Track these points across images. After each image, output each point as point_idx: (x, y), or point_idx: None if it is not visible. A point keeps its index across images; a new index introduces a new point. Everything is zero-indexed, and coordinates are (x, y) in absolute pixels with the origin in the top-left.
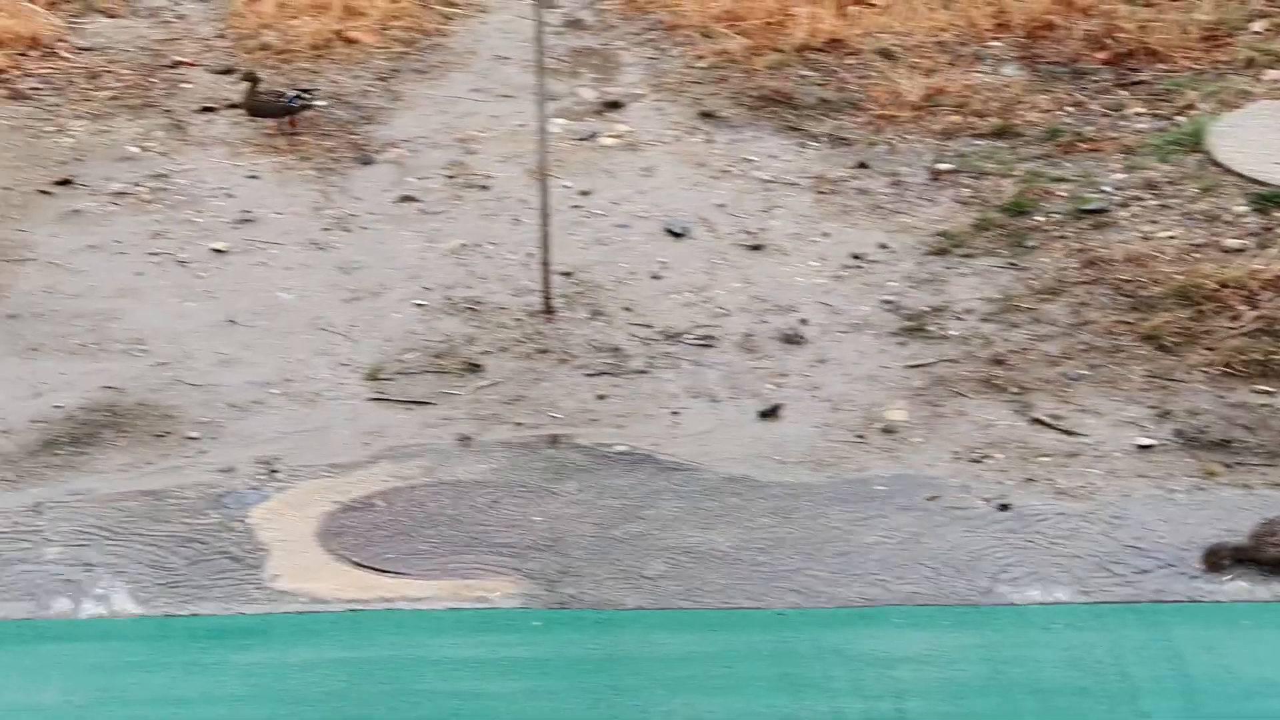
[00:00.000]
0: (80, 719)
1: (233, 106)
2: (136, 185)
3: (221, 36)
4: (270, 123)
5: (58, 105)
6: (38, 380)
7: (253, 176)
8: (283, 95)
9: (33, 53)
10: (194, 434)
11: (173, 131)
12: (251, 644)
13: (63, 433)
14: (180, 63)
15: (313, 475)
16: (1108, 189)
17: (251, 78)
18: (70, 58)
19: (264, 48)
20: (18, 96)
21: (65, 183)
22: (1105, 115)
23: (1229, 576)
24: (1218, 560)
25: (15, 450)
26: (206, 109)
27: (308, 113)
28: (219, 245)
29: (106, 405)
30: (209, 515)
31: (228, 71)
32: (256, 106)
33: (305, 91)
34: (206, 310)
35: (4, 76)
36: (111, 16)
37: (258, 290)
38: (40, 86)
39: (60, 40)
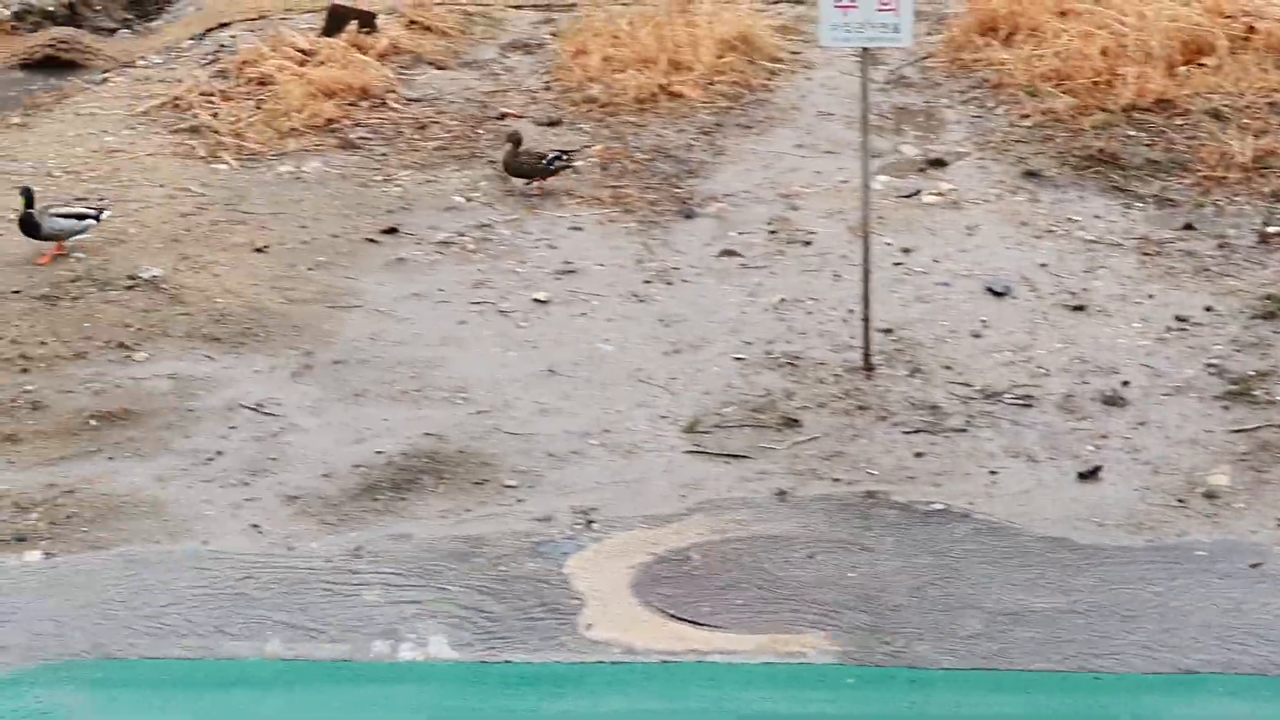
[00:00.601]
0: None
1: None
2: (461, 235)
3: (547, 89)
4: (519, 182)
5: (386, 155)
6: (361, 426)
7: (575, 228)
8: (544, 157)
9: (363, 103)
10: (512, 482)
11: (497, 182)
12: (565, 692)
13: (384, 478)
14: (507, 114)
15: (629, 526)
16: None
17: (515, 139)
18: (399, 108)
19: (589, 101)
20: (348, 146)
21: (392, 231)
22: None
23: None
24: None
25: (337, 494)
26: None
27: (570, 172)
28: (541, 295)
29: (427, 452)
30: (526, 563)
31: (553, 124)
32: (516, 166)
33: (565, 153)
34: (527, 359)
35: (335, 126)
36: (441, 68)
37: (578, 341)
38: (369, 136)
39: (390, 91)
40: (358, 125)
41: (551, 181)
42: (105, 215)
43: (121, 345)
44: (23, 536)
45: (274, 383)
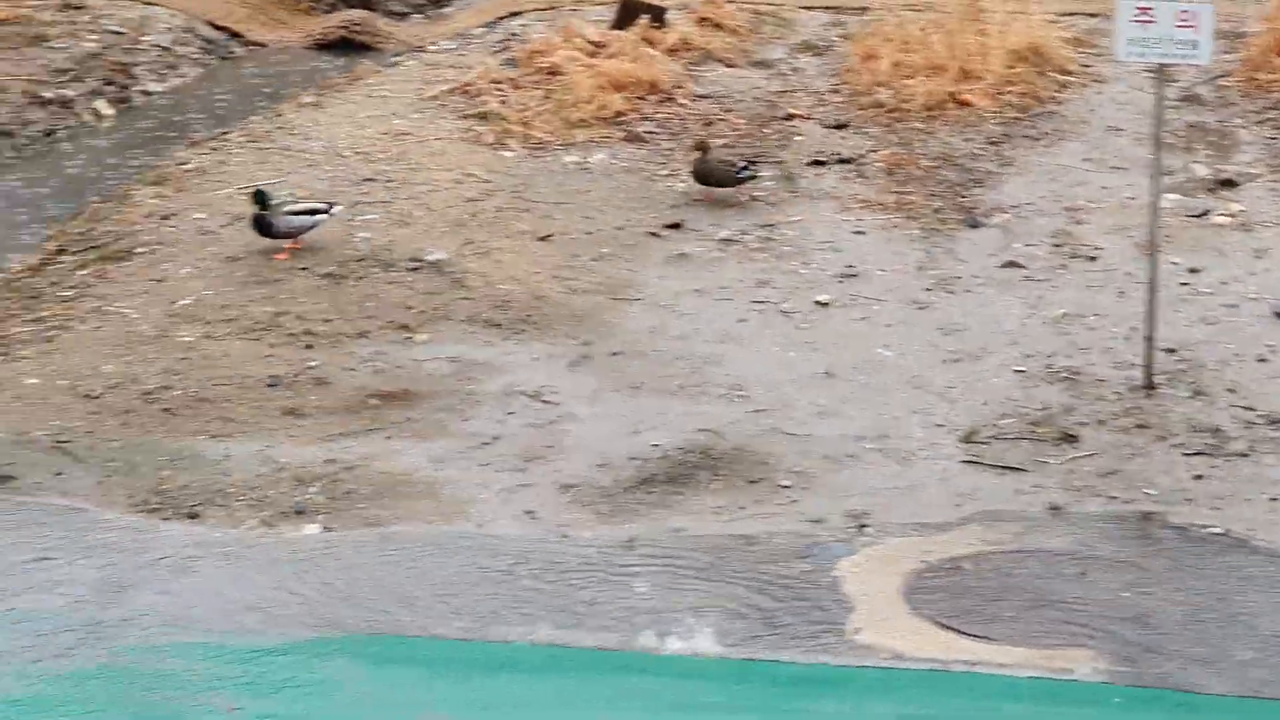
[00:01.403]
0: None
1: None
2: (744, 234)
3: (835, 92)
4: (715, 191)
5: (671, 150)
6: (638, 418)
7: (858, 232)
8: (733, 165)
9: (651, 97)
10: (786, 482)
11: (783, 183)
12: (830, 695)
13: (659, 471)
14: (793, 115)
15: (901, 532)
16: None
17: (702, 147)
18: (687, 104)
19: (877, 105)
20: (634, 139)
21: (675, 226)
22: None
23: None
24: None
25: (611, 485)
26: (817, 162)
27: (752, 184)
28: (822, 298)
29: (703, 447)
30: (797, 564)
31: (840, 127)
32: (705, 174)
33: (752, 163)
34: (806, 361)
35: (623, 119)
36: (730, 66)
37: (858, 345)
38: (656, 131)
39: (678, 87)
40: (645, 119)
41: (833, 183)
42: (335, 210)
43: (404, 326)
44: (302, 510)
45: (552, 370)
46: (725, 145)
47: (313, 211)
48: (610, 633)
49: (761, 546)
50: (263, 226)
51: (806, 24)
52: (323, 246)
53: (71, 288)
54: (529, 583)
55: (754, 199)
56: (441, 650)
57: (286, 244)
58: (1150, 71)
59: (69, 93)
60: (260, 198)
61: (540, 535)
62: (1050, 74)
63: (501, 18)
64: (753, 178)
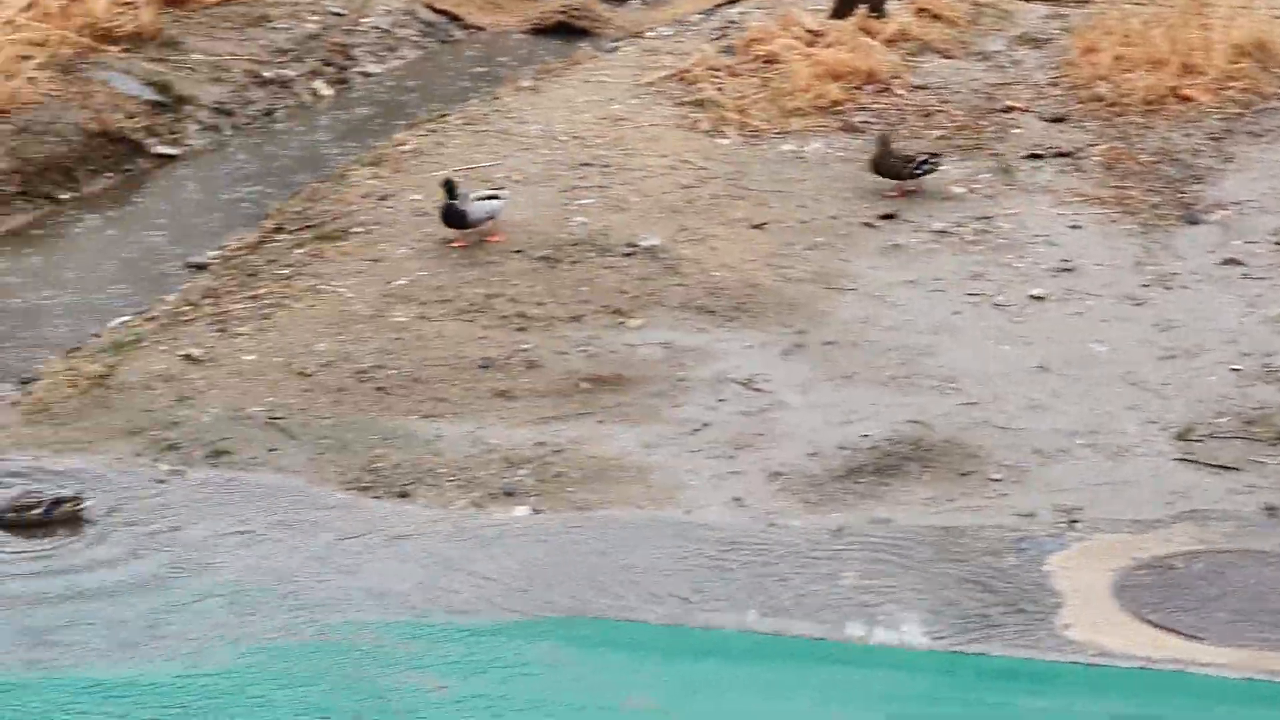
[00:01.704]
0: None
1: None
2: (959, 225)
3: (1054, 85)
4: (892, 183)
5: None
6: (849, 408)
7: (1075, 226)
8: (912, 160)
9: (868, 87)
10: (997, 475)
11: (999, 175)
12: (1037, 690)
13: (868, 461)
14: (1012, 108)
15: (1113, 529)
16: None
17: (884, 140)
18: (904, 95)
19: (1096, 99)
20: (850, 129)
21: (889, 217)
22: None
23: None
24: None
25: (821, 474)
26: (1034, 155)
27: (932, 176)
28: (1037, 292)
29: (913, 439)
30: (1006, 558)
31: (1058, 120)
32: (884, 167)
33: (933, 156)
34: (1019, 355)
35: (839, 109)
36: (948, 57)
37: (1071, 340)
38: (873, 121)
39: (895, 77)
40: (861, 109)
41: (1050, 176)
42: (505, 194)
43: (617, 311)
44: (511, 491)
45: (764, 359)
46: (941, 137)
47: (493, 197)
48: (817, 622)
49: (970, 539)
50: (455, 216)
51: (1026, 16)
52: (538, 230)
53: (288, 266)
54: (737, 570)
55: (970, 192)
56: (648, 635)
57: (477, 234)
58: None
59: (289, 73)
60: (449, 187)
61: (748, 523)
62: (1275, 70)
63: (720, 4)
64: (930, 172)
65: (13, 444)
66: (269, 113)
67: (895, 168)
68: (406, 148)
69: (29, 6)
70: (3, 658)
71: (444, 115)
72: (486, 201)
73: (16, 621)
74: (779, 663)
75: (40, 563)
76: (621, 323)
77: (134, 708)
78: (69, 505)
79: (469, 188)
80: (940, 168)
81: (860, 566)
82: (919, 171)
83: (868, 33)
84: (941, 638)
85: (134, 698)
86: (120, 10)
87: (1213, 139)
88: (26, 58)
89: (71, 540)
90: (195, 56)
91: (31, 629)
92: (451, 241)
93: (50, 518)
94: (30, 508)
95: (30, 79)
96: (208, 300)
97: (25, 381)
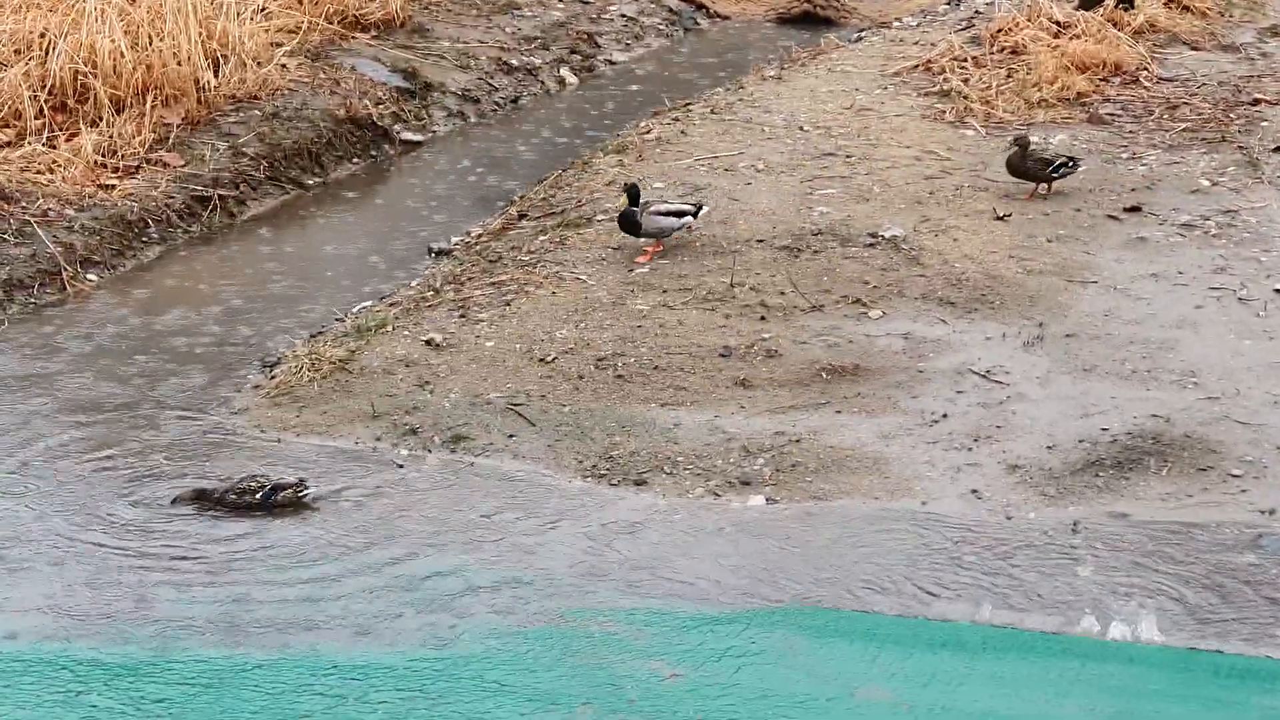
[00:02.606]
0: None
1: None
2: (1204, 219)
3: None
4: (1032, 185)
5: (1134, 133)
6: (1088, 401)
7: None
8: (1050, 162)
9: (1115, 79)
10: (1238, 471)
11: (1246, 169)
12: (1273, 689)
13: (1107, 455)
14: (1260, 100)
15: None
16: None
17: (1022, 142)
18: (1151, 87)
19: None
20: (1096, 121)
21: (1134, 209)
22: None
23: None
24: None
25: (1059, 467)
26: None
27: (1070, 180)
28: None
29: (1153, 433)
30: (1244, 555)
31: None
32: (1021, 169)
33: (1071, 160)
34: (1262, 350)
35: (1085, 100)
36: (1196, 49)
37: None
38: (1119, 113)
39: (1143, 69)
40: (1108, 101)
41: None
42: (703, 212)
43: (858, 301)
44: (748, 480)
45: (1004, 351)
46: (1187, 130)
47: (680, 214)
48: (1053, 616)
49: (1209, 535)
50: (630, 224)
51: (1277, 7)
52: (781, 220)
53: (531, 253)
54: (972, 562)
55: (1214, 185)
56: (882, 626)
57: (649, 246)
58: None
59: (535, 60)
60: (632, 192)
61: (985, 515)
62: None
63: None
64: (1068, 175)
65: (255, 426)
66: (515, 100)
67: (1033, 170)
68: (650, 136)
69: None
70: (238, 638)
71: (688, 104)
72: (665, 217)
73: (255, 603)
74: (1013, 656)
75: (277, 549)
76: (862, 313)
77: (370, 690)
78: (290, 491)
79: (669, 196)
80: (1080, 170)
81: (1096, 561)
82: (1056, 175)
83: (1115, 24)
84: (1177, 634)
85: (371, 680)
86: None
87: None
88: (277, 45)
89: (303, 524)
90: (443, 43)
91: (271, 611)
92: (638, 255)
93: (270, 501)
94: (251, 491)
95: (281, 65)
96: (450, 286)
97: (269, 365)
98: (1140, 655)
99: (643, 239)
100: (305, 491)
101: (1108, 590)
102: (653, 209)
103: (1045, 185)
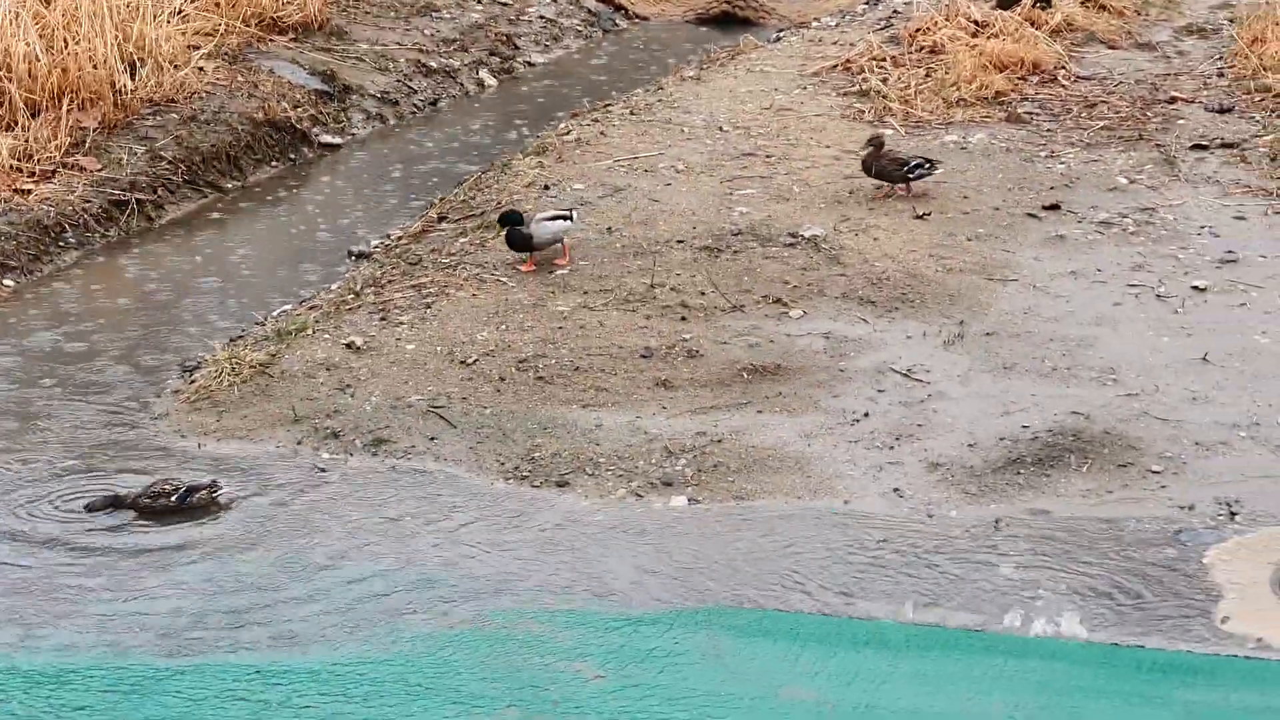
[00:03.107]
0: None
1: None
2: (1122, 216)
3: (1221, 75)
4: (886, 185)
5: (1052, 131)
6: (1009, 399)
7: (1239, 218)
8: (906, 163)
9: (1033, 78)
10: (1156, 467)
11: (1163, 166)
12: (1194, 683)
13: (1028, 453)
14: (1176, 98)
15: (1275, 522)
16: None
17: (876, 142)
18: (1068, 86)
19: (1264, 90)
20: (1015, 120)
21: (1054, 208)
22: None
23: None
24: None
25: (980, 465)
26: (1199, 146)
27: (926, 182)
28: (1199, 283)
29: (1073, 430)
30: (1164, 550)
31: (1224, 111)
32: (877, 169)
33: (928, 161)
34: (1180, 346)
35: (1003, 99)
36: (1113, 48)
37: (1234, 332)
38: (1037, 111)
39: (1060, 68)
40: (1026, 100)
41: (1215, 168)
42: (575, 216)
43: (779, 301)
44: (670, 481)
45: (925, 349)
46: (1105, 128)
47: (562, 218)
48: (975, 613)
49: (1129, 531)
50: (520, 240)
51: (1193, 7)
52: (701, 220)
53: (451, 255)
54: (895, 561)
55: (1132, 183)
56: (805, 625)
57: (543, 256)
58: None
59: (454, 62)
60: (511, 217)
61: (907, 514)
62: None
63: None
64: (924, 177)
65: (175, 431)
66: (434, 102)
67: (888, 170)
68: (570, 137)
69: None
70: (158, 644)
71: (608, 105)
72: (552, 223)
73: (175, 609)
74: (937, 654)
75: (196, 552)
76: (783, 313)
77: (294, 695)
78: (204, 492)
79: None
80: (936, 172)
81: (1019, 558)
82: (912, 176)
83: (1033, 23)
84: (1099, 629)
85: (294, 685)
86: (287, 0)
87: None
88: (195, 48)
89: (222, 528)
90: (361, 46)
91: (192, 616)
92: (521, 264)
93: (186, 504)
94: (165, 495)
95: (199, 69)
96: (370, 289)
97: (189, 370)
98: (1063, 651)
99: (535, 251)
100: (219, 492)
101: (1030, 587)
102: (539, 218)
103: (904, 186)
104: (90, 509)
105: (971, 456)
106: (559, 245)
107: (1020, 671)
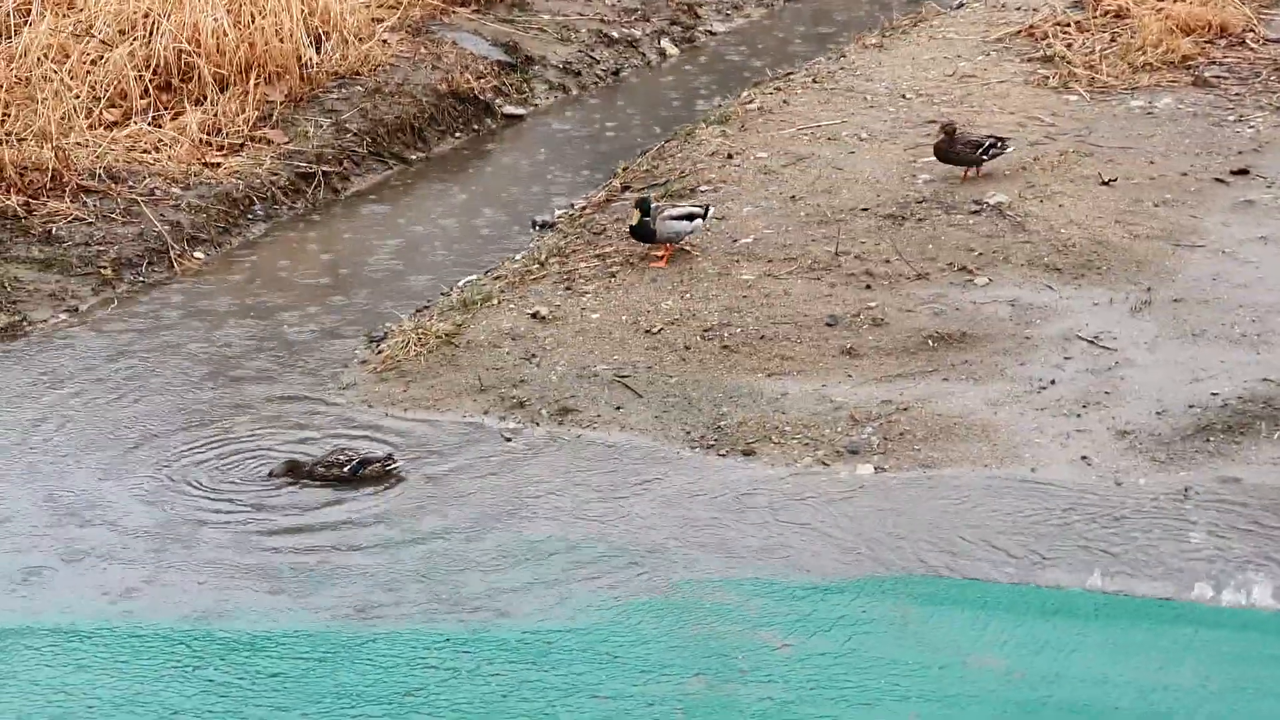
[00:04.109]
0: (1210, 705)
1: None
2: None
3: None
4: (963, 170)
5: (1240, 95)
6: (1197, 366)
7: None
8: (980, 144)
9: (1220, 41)
10: None
11: None
12: None
13: (1217, 420)
14: None
15: None
16: None
17: (949, 129)
18: (1256, 48)
19: None
20: (1201, 84)
21: (1242, 172)
22: None
23: None
24: None
25: (1168, 432)
26: None
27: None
28: None
29: (1264, 397)
30: None
31: None
32: (950, 155)
33: (999, 140)
34: None
35: (1190, 63)
36: None
37: None
38: (1224, 75)
39: (1249, 30)
40: (1213, 63)
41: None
42: (711, 213)
43: (963, 269)
44: (856, 449)
45: (1111, 316)
46: None
47: (690, 216)
48: (1164, 582)
49: None
50: (644, 232)
51: None
52: (885, 188)
53: None
54: (1082, 529)
55: None
56: (992, 593)
57: (661, 251)
58: None
59: (636, 32)
60: (644, 205)
61: (1094, 481)
62: None
63: None
64: (997, 156)
65: (362, 402)
66: (616, 72)
67: (963, 154)
68: (753, 106)
69: None
70: (347, 612)
71: (790, 73)
72: (676, 222)
73: (359, 577)
74: (1125, 623)
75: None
76: (968, 280)
77: (483, 663)
78: (378, 465)
79: (671, 203)
80: (1008, 150)
81: (1209, 526)
82: (985, 156)
83: None
84: None
85: (484, 652)
86: None
87: None
88: (378, 20)
89: (409, 499)
90: (543, 17)
91: (382, 585)
92: (653, 260)
93: (355, 476)
94: (339, 465)
95: (382, 41)
96: (555, 259)
97: (375, 340)
98: (1254, 621)
99: (661, 243)
100: (393, 465)
101: (1220, 556)
102: (665, 214)
103: (975, 168)
104: (272, 475)
105: (1160, 424)
106: (683, 240)
107: (1211, 641)
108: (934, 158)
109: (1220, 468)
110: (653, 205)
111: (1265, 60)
